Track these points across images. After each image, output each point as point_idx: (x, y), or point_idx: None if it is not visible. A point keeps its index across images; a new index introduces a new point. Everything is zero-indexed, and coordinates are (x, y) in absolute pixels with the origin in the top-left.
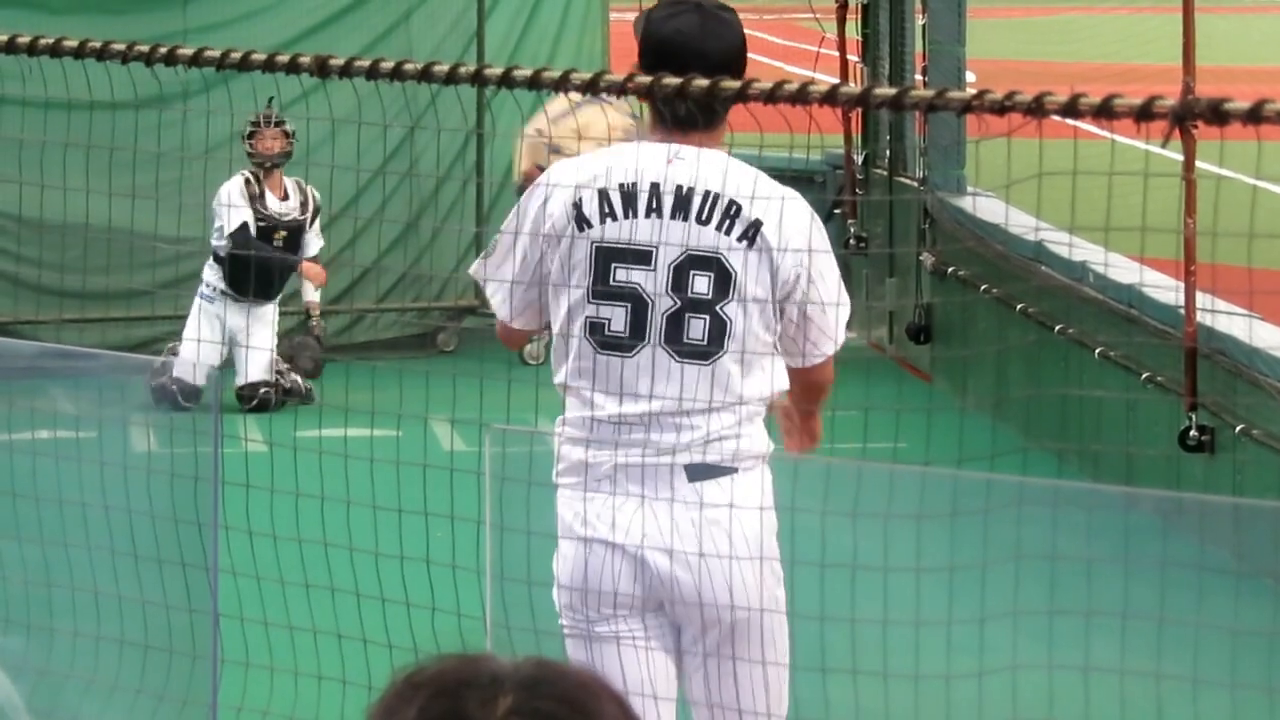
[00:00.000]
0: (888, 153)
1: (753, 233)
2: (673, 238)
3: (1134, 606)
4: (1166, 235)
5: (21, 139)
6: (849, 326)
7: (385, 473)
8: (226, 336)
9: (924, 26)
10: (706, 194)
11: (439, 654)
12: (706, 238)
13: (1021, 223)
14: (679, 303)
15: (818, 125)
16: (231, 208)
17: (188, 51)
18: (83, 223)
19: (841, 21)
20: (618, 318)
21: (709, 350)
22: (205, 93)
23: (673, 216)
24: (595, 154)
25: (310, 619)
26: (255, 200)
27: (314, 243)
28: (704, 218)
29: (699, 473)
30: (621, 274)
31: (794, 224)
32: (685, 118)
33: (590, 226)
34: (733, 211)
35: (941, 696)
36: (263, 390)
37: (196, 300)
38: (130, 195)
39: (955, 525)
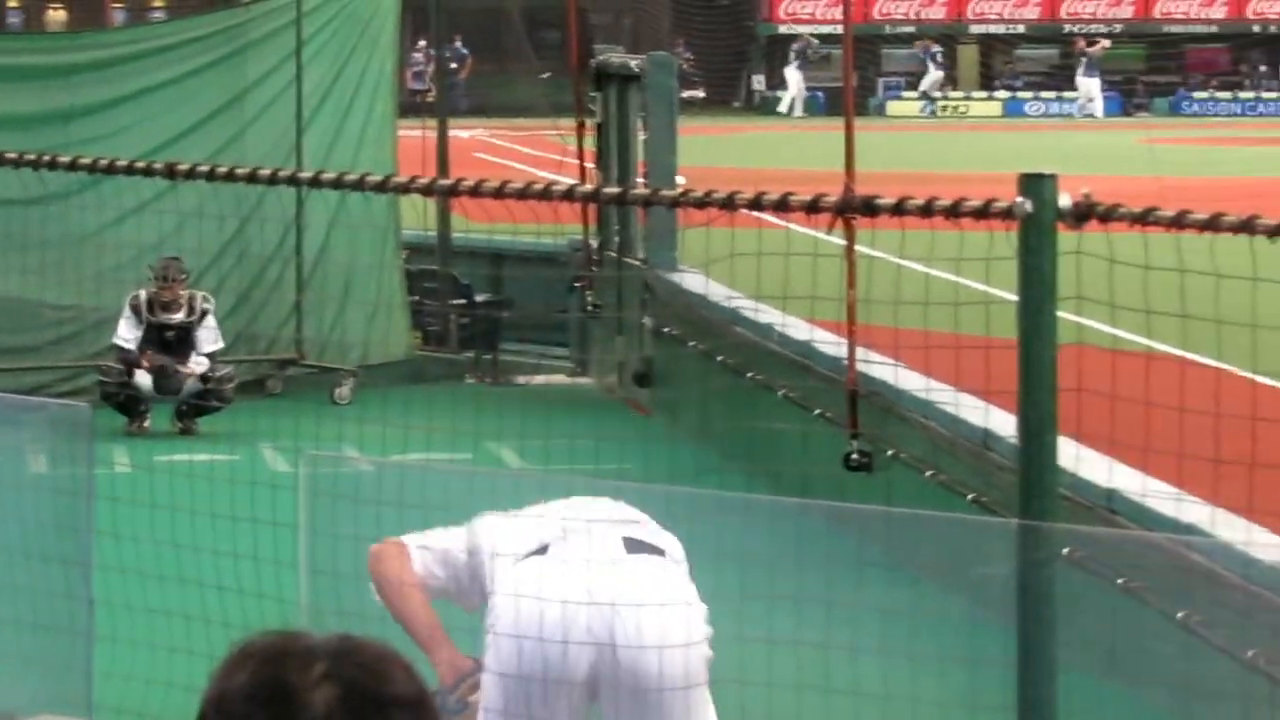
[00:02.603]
0: (617, 238)
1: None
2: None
3: (807, 592)
4: (831, 302)
5: None
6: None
7: (222, 487)
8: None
9: (645, 141)
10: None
11: (265, 630)
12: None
13: (718, 293)
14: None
15: (560, 217)
16: (123, 325)
17: (67, 159)
18: None
19: (580, 136)
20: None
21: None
22: (81, 192)
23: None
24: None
25: (164, 603)
26: (146, 311)
27: (205, 340)
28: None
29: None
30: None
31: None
32: None
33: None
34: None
35: None
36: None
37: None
38: (22, 271)
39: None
